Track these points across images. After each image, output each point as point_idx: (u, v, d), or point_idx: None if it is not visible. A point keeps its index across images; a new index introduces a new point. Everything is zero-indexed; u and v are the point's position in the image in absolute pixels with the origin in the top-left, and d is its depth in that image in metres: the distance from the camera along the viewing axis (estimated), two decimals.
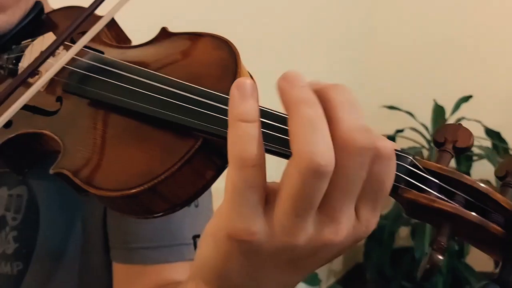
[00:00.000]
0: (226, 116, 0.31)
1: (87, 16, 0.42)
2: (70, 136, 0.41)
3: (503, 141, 1.61)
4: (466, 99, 1.60)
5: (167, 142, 0.35)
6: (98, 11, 0.44)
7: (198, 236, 0.55)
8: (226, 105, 0.30)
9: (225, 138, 0.31)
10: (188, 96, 0.35)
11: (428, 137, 1.62)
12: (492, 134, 1.61)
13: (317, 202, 0.26)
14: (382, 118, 1.66)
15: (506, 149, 1.59)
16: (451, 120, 1.60)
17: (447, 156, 0.31)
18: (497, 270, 0.30)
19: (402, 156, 0.30)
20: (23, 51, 0.47)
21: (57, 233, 0.55)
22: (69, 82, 0.42)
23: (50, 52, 0.40)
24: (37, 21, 0.54)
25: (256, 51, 1.01)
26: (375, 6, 1.86)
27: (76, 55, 0.42)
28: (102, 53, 0.45)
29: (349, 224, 0.27)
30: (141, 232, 0.52)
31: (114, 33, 0.51)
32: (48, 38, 0.46)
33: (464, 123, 1.29)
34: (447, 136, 0.32)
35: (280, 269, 0.29)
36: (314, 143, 0.24)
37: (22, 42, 0.50)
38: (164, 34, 0.45)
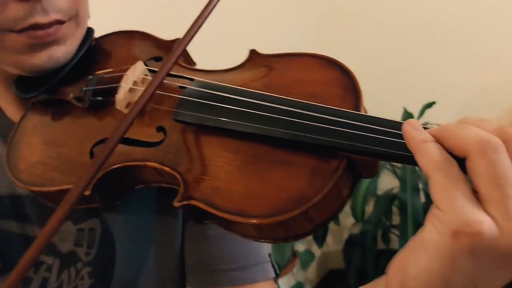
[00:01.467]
0: (367, 133, 0.34)
1: (190, 38, 0.42)
2: (187, 165, 0.41)
3: None
4: (429, 105, 1.73)
5: (312, 165, 0.37)
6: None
7: (269, 255, 0.57)
8: (365, 122, 0.35)
9: (366, 154, 0.35)
10: (324, 117, 0.37)
11: None
12: None
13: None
14: None
15: None
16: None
17: None
18: None
19: None
20: (115, 83, 0.46)
21: (133, 266, 0.55)
22: (183, 111, 0.43)
23: (162, 77, 0.40)
24: (89, 48, 0.53)
25: None
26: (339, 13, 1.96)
27: (182, 85, 0.43)
28: (192, 79, 0.46)
29: None
30: (226, 254, 0.53)
31: (186, 58, 0.52)
32: (140, 67, 0.46)
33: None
34: None
35: (504, 267, 0.30)
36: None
37: (97, 73, 0.50)
38: (256, 56, 0.46)
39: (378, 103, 1.82)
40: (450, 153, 0.30)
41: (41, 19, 0.46)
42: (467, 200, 0.29)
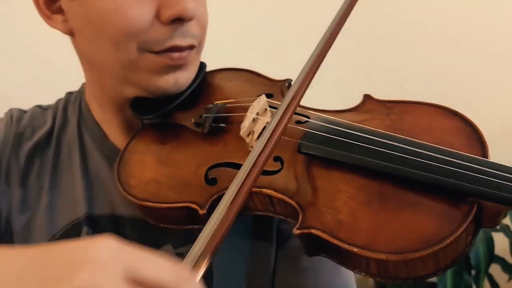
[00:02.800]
0: (500, 180, 0.37)
1: (311, 77, 0.46)
2: (306, 196, 0.43)
3: None
4: None
5: (443, 208, 0.39)
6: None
7: None
8: (498, 170, 0.37)
9: (498, 200, 0.37)
10: (459, 162, 0.39)
11: None
12: None
13: None
14: None
15: None
16: None
17: None
18: None
19: None
20: (237, 113, 0.50)
21: None
22: (308, 143, 0.46)
23: (292, 110, 0.44)
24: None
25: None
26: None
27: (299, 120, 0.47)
28: (308, 117, 0.49)
29: None
30: (317, 283, 0.55)
31: None
32: (263, 100, 0.50)
33: None
34: None
35: None
36: None
37: (216, 102, 0.54)
38: (371, 100, 0.50)
39: None
40: None
41: (180, 42, 0.51)
42: None
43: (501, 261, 1.66)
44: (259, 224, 0.58)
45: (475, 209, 0.38)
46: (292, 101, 0.45)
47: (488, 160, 0.40)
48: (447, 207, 0.39)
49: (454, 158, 0.40)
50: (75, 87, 0.68)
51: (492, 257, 1.59)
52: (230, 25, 1.30)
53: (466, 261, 1.54)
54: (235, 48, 1.29)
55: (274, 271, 0.57)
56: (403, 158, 0.41)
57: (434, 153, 0.41)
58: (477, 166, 0.39)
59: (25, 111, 0.66)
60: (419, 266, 0.38)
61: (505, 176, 0.38)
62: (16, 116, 0.64)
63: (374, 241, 0.39)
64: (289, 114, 0.44)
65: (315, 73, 0.47)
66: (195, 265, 0.34)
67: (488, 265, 1.57)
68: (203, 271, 0.35)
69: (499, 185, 0.38)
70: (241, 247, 0.58)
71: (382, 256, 0.38)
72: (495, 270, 1.65)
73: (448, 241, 0.37)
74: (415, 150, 0.41)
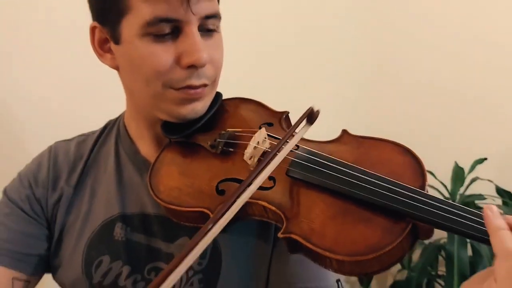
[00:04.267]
0: (432, 208, 0.50)
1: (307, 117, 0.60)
2: (290, 209, 0.57)
3: None
4: (481, 161, 1.84)
5: (387, 224, 0.52)
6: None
7: (338, 280, 0.72)
8: (428, 199, 0.50)
9: (428, 222, 0.50)
10: (403, 192, 0.53)
11: (447, 194, 1.84)
12: (503, 192, 1.84)
13: None
14: None
15: None
16: (467, 179, 1.83)
17: None
18: None
19: None
20: (242, 141, 0.65)
21: (235, 276, 0.72)
22: (294, 169, 0.60)
23: (283, 143, 0.58)
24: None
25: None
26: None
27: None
28: (297, 146, 0.64)
29: None
30: (303, 276, 0.69)
31: (287, 123, 0.71)
32: (263, 132, 0.65)
33: (478, 183, 1.52)
34: None
35: None
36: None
37: (228, 130, 0.69)
38: (347, 135, 0.64)
39: (429, 156, 1.96)
40: None
41: (195, 82, 0.67)
42: None
43: None
44: (261, 226, 0.73)
45: (410, 226, 0.51)
46: (288, 143, 0.60)
47: (423, 191, 0.53)
48: (390, 223, 0.52)
49: (399, 188, 0.53)
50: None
51: None
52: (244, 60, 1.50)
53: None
54: (249, 79, 1.46)
55: (270, 261, 0.72)
56: (362, 185, 0.55)
57: (385, 183, 0.54)
58: (414, 195, 0.52)
59: (70, 140, 0.83)
60: (367, 265, 0.52)
61: (434, 204, 0.51)
62: (62, 151, 0.81)
63: (335, 246, 0.52)
64: (285, 153, 0.59)
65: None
66: None
67: None
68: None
69: (428, 211, 0.51)
70: (247, 243, 0.73)
71: (339, 257, 0.51)
72: None
73: (388, 248, 0.50)
74: (371, 180, 0.55)
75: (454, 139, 2.02)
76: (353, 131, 0.65)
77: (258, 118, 0.72)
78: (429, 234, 0.53)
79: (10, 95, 1.29)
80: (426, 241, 1.83)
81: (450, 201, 0.52)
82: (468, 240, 1.62)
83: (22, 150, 1.17)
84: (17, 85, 1.30)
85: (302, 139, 0.66)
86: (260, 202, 0.60)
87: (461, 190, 1.85)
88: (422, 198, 0.52)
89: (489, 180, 1.80)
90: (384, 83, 2.18)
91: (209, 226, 0.50)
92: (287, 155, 0.61)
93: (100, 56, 0.72)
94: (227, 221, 0.51)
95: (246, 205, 0.61)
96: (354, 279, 2.08)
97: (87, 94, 1.35)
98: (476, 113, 1.98)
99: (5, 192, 0.79)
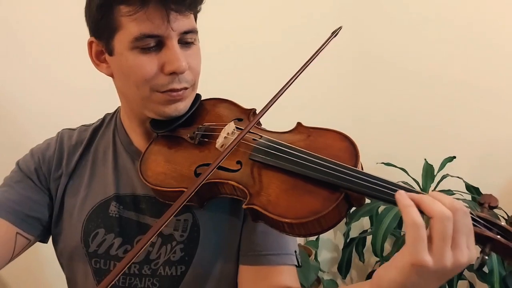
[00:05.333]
0: (359, 180, 0.65)
1: (268, 108, 0.75)
2: (253, 186, 0.72)
3: (481, 194, 1.97)
4: (450, 159, 1.99)
5: (324, 193, 0.66)
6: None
7: (295, 251, 0.88)
8: (360, 175, 0.64)
9: (359, 193, 0.65)
10: (339, 169, 0.67)
11: (419, 190, 1.99)
12: (472, 189, 1.97)
13: (450, 240, 0.54)
14: (379, 173, 2.03)
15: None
16: (438, 176, 1.98)
17: (485, 210, 0.63)
18: None
19: (471, 213, 0.59)
20: (215, 132, 0.81)
21: (211, 245, 0.87)
22: (255, 154, 0.75)
23: (243, 134, 0.73)
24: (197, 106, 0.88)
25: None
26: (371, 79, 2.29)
27: (254, 138, 0.76)
28: (260, 136, 0.79)
29: (466, 252, 0.55)
30: (267, 244, 0.85)
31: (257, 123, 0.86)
32: (232, 125, 0.80)
33: (448, 180, 1.67)
34: (485, 201, 0.64)
35: (434, 281, 0.56)
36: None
37: (204, 124, 0.84)
38: (301, 126, 0.79)
39: (401, 154, 2.12)
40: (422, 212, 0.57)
41: (176, 85, 0.81)
42: (423, 248, 0.54)
43: None
44: (233, 204, 0.88)
45: (343, 195, 0.66)
46: (246, 128, 0.75)
47: (354, 168, 0.68)
48: (328, 193, 0.66)
49: (335, 166, 0.68)
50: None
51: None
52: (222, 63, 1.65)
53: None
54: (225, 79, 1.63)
55: (241, 233, 0.87)
56: (307, 165, 0.70)
57: (325, 162, 0.69)
58: (346, 171, 0.67)
59: (74, 129, 0.99)
60: (311, 226, 0.65)
61: (361, 177, 0.66)
62: (67, 136, 0.96)
63: (286, 212, 0.67)
64: (242, 136, 0.74)
65: (265, 112, 0.77)
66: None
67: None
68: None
69: (356, 183, 0.65)
70: (221, 218, 0.88)
71: (289, 221, 0.66)
72: None
73: (325, 212, 0.64)
74: (314, 161, 0.70)
75: (426, 138, 2.18)
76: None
77: (230, 115, 0.87)
78: (361, 201, 0.68)
79: (12, 97, 1.44)
80: (402, 233, 1.99)
81: (375, 175, 0.66)
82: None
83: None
84: (21, 88, 1.45)
85: (264, 130, 0.82)
86: (230, 182, 0.75)
87: (432, 186, 2.00)
88: (352, 173, 0.66)
89: (458, 177, 1.94)
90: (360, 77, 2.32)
91: (184, 198, 0.65)
92: (253, 142, 0.76)
93: (97, 65, 0.87)
94: (196, 189, 0.66)
95: (218, 184, 0.76)
96: (334, 270, 2.23)
97: (85, 98, 1.51)
98: (452, 113, 2.13)
99: (18, 163, 0.93)
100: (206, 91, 0.93)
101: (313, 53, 0.80)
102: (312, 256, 2.04)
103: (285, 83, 0.76)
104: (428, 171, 1.96)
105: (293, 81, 0.77)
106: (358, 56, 2.31)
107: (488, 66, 2.04)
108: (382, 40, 2.28)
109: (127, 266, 0.56)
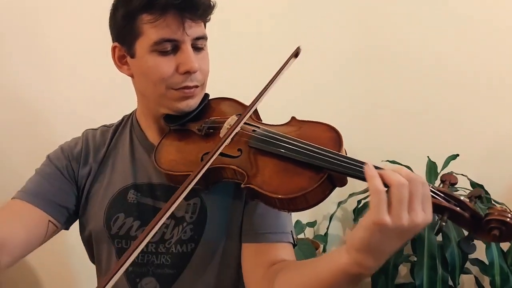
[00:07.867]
0: (341, 162, 0.77)
1: (257, 102, 0.89)
2: (251, 169, 0.85)
3: (485, 192, 2.01)
4: (454, 157, 2.09)
5: (310, 174, 0.79)
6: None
7: (291, 231, 1.00)
8: (339, 157, 0.77)
9: (339, 173, 0.78)
10: (322, 153, 0.80)
11: None
12: (476, 186, 2.02)
13: (407, 203, 0.65)
14: None
15: (488, 199, 2.00)
16: (442, 173, 2.07)
17: (446, 186, 0.74)
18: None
19: (431, 186, 0.70)
20: (220, 124, 0.95)
21: (217, 225, 1.00)
22: (253, 142, 0.89)
23: (239, 123, 0.87)
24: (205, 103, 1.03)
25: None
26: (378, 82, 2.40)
27: (254, 129, 0.90)
28: (258, 127, 0.93)
29: (421, 214, 0.65)
30: (266, 224, 0.98)
31: (256, 115, 1.00)
32: (233, 118, 0.94)
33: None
34: (446, 178, 0.76)
35: (395, 239, 0.66)
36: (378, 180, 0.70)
37: (211, 118, 0.99)
38: (295, 120, 0.92)
39: (404, 151, 2.22)
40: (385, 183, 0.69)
41: (189, 83, 0.95)
42: (384, 209, 0.64)
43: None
44: (236, 189, 1.01)
45: (326, 175, 0.78)
46: (241, 119, 0.89)
47: (336, 152, 0.80)
48: (313, 174, 0.78)
49: (319, 150, 0.80)
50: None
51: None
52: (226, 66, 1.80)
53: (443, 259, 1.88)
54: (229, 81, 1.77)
55: (243, 214, 1.01)
56: (297, 150, 0.82)
57: (311, 147, 0.81)
58: (328, 154, 0.79)
59: (96, 129, 1.13)
60: (298, 202, 0.78)
61: (340, 159, 0.78)
62: (91, 135, 1.11)
63: (277, 190, 0.79)
64: (237, 126, 0.88)
65: (256, 103, 0.91)
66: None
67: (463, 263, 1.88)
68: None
69: (337, 164, 0.77)
70: (226, 200, 1.02)
71: (280, 196, 0.78)
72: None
73: (311, 189, 0.76)
74: (302, 146, 0.83)
75: (430, 135, 2.27)
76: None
77: (233, 110, 1.01)
78: (343, 181, 0.80)
79: (43, 97, 1.61)
80: None
81: (354, 158, 0.77)
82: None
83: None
84: (51, 89, 1.62)
85: (261, 123, 0.95)
86: (231, 166, 0.88)
87: (436, 183, 2.09)
88: (332, 155, 0.79)
89: (463, 175, 2.02)
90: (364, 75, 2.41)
91: (190, 179, 0.79)
92: (252, 132, 0.89)
93: (119, 68, 1.02)
94: (201, 174, 0.80)
95: (221, 168, 0.90)
96: None
97: (107, 98, 1.67)
98: (456, 111, 2.22)
99: (48, 157, 1.06)
100: (212, 91, 1.07)
101: (274, 74, 0.92)
102: (320, 249, 2.15)
103: (249, 104, 0.91)
104: (432, 169, 2.06)
105: (255, 105, 0.91)
106: (363, 55, 2.41)
107: (492, 65, 2.14)
108: (383, 40, 2.36)
109: (144, 241, 0.69)
